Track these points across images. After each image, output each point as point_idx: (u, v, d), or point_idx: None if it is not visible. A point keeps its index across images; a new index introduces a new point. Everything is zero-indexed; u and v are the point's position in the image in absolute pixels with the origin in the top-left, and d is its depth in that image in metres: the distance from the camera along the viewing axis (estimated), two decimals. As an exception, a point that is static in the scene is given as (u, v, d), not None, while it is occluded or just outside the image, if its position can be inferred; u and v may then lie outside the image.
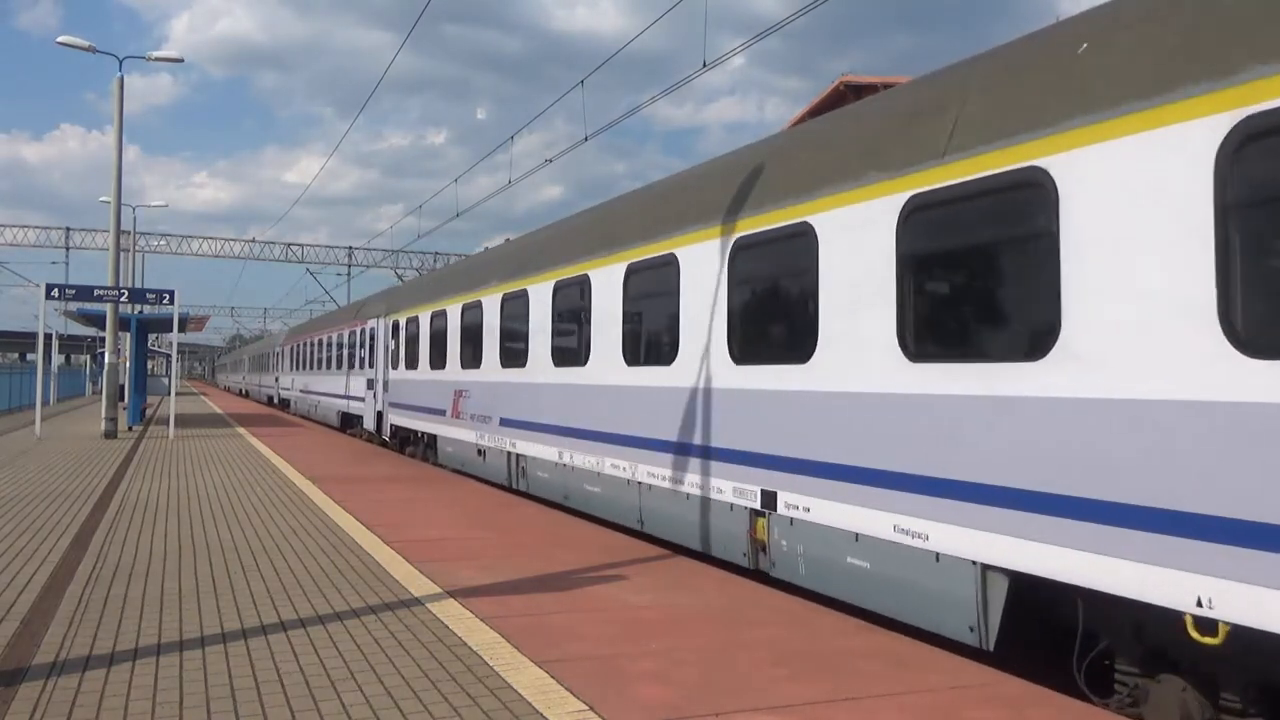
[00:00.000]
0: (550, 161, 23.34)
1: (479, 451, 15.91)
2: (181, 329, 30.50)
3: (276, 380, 50.11)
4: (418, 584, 7.79)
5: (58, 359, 53.19)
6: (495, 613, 6.84)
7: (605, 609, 7.06)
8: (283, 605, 7.04)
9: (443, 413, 17.83)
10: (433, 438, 19.02)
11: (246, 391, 71.94)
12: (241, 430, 27.78)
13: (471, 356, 16.27)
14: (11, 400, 38.07)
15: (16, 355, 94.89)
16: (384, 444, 23.56)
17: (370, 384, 24.69)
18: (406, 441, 21.78)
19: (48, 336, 34.08)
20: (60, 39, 25.02)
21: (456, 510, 12.13)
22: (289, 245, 65.10)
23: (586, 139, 19.65)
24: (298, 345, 41.75)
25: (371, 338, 24.85)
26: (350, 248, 66.10)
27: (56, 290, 24.13)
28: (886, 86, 16.29)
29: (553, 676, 5.42)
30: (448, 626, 6.49)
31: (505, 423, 14.50)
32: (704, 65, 14.55)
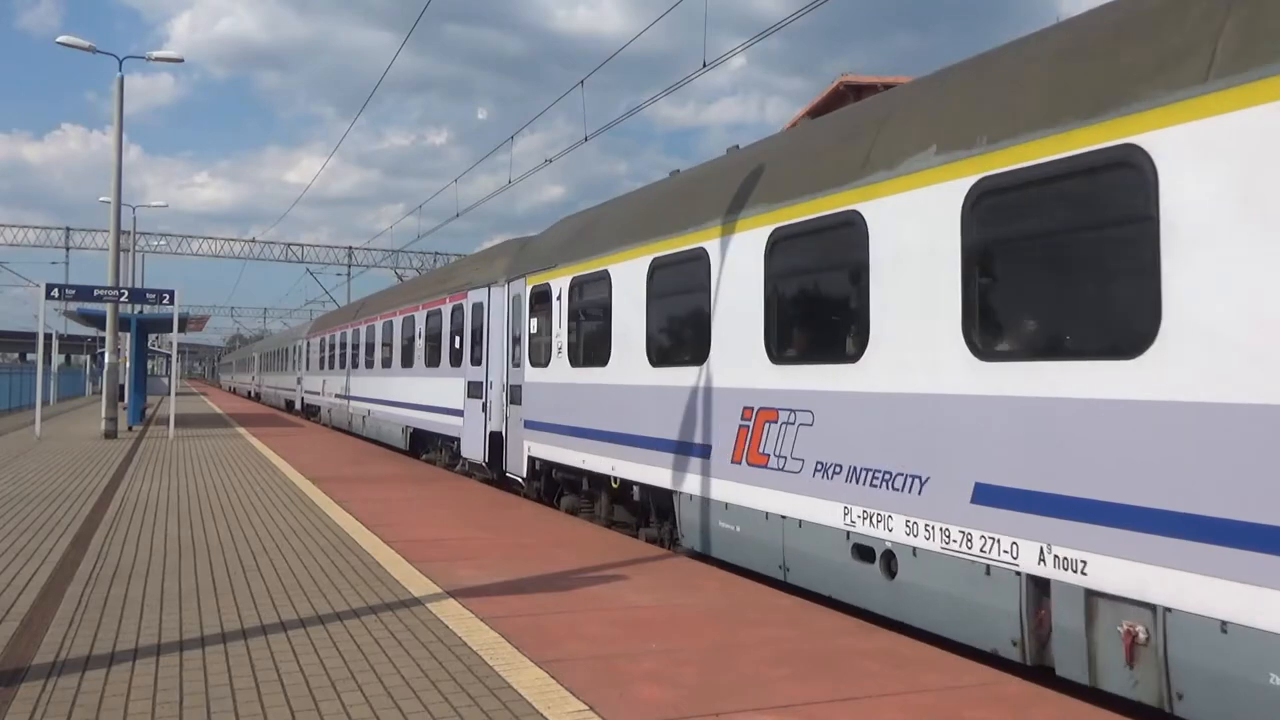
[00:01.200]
0: (550, 161, 23.37)
1: (861, 551, 7.23)
2: (181, 329, 30.50)
3: (299, 382, 40.99)
4: (418, 584, 7.79)
5: (58, 359, 53.23)
6: (495, 613, 6.84)
7: (605, 609, 7.06)
8: (283, 605, 7.04)
9: (701, 451, 9.28)
10: (664, 497, 10.17)
11: (258, 394, 62.47)
12: (241, 430, 27.77)
13: (801, 337, 8.28)
14: (11, 400, 38.12)
15: (16, 355, 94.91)
16: (501, 484, 15.21)
17: (476, 390, 16.08)
18: (564, 489, 13.21)
19: (48, 336, 34.11)
20: (60, 39, 25.03)
21: (457, 510, 12.12)
22: (289, 245, 65.20)
23: (586, 139, 19.68)
24: (333, 337, 32.21)
25: (477, 318, 16.26)
26: (350, 248, 66.23)
27: (56, 290, 24.14)
28: (886, 86, 16.31)
29: (553, 676, 5.42)
30: (448, 626, 6.49)
31: (1011, 499, 5.98)
32: (704, 65, 14.56)
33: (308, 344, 38.57)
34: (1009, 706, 5.06)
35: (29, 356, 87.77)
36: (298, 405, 41.22)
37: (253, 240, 64.70)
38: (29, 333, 76.83)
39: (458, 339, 17.50)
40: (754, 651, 6.01)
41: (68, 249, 59.51)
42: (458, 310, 17.56)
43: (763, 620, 6.80)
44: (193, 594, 7.35)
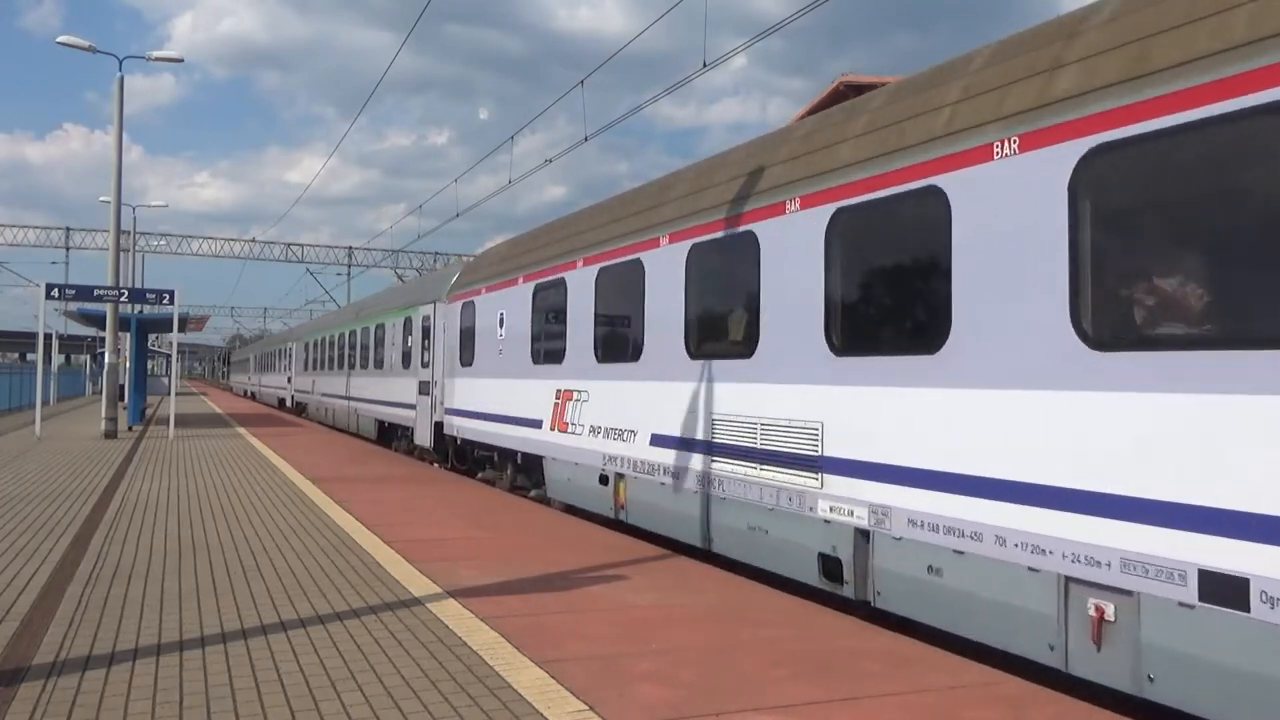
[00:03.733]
0: (550, 162, 23.31)
1: None
2: (181, 329, 30.50)
3: (429, 390, 19.32)
4: (418, 584, 7.79)
5: (58, 359, 53.22)
6: (495, 613, 6.84)
7: (605, 609, 7.06)
8: (283, 605, 7.04)
9: None
10: None
11: (299, 403, 42.15)
12: (241, 430, 27.77)
13: None
14: (11, 400, 38.10)
15: (16, 355, 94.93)
16: None
17: None
18: None
19: (48, 336, 34.13)
20: (60, 39, 25.01)
21: (457, 510, 12.12)
22: (289, 245, 65.17)
23: (587, 139, 19.66)
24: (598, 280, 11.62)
25: None
26: (350, 248, 66.18)
27: (56, 290, 24.12)
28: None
29: (553, 676, 5.42)
30: (448, 626, 6.49)
31: None
32: (704, 65, 14.56)
33: (472, 309, 16.98)
34: (1009, 706, 5.06)
35: (29, 356, 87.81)
36: (425, 438, 19.61)
37: (253, 240, 64.76)
38: (29, 333, 76.86)
39: None
40: (754, 651, 6.01)
41: (68, 249, 59.55)
42: None
43: (763, 620, 6.80)
44: (193, 594, 7.34)
